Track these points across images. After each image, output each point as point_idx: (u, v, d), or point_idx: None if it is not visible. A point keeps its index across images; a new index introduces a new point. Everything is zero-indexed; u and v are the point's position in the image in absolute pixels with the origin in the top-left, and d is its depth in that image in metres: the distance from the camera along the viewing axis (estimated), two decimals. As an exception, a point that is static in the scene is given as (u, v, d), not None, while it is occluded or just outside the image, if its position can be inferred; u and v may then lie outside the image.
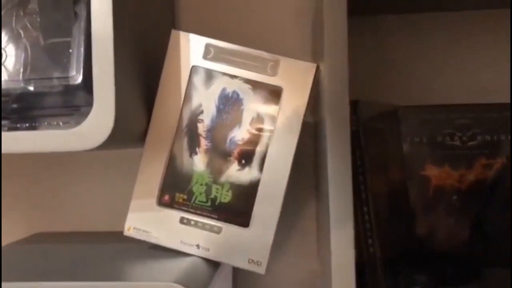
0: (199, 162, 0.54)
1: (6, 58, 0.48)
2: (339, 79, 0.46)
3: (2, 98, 0.48)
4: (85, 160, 0.71)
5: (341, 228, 0.46)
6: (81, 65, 0.46)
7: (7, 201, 0.71)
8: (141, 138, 0.54)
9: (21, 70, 0.48)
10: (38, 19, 0.48)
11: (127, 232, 0.55)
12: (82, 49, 0.46)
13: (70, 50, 0.46)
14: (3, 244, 0.66)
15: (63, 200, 0.71)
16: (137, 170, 0.54)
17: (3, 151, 0.45)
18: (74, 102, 0.47)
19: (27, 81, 0.47)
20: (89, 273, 0.48)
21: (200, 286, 0.48)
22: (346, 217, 0.46)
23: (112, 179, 0.71)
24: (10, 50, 0.48)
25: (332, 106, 0.46)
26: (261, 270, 0.53)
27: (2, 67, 0.48)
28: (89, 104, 0.44)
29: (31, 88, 0.47)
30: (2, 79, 0.48)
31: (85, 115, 0.44)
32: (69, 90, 0.47)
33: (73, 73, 0.46)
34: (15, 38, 0.48)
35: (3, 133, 0.45)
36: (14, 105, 0.48)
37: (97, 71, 0.44)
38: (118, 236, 0.58)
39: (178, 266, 0.50)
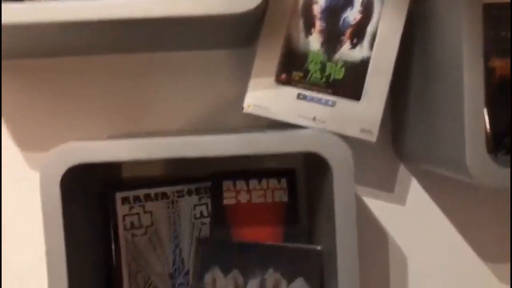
0: (314, 42, 0.59)
1: None
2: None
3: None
4: (176, 62, 0.73)
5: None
6: None
7: (95, 100, 0.72)
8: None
9: None
10: None
11: (246, 109, 0.59)
12: None
13: None
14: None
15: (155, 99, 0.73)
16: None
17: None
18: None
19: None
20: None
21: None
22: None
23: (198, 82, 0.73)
24: None
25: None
26: (372, 138, 0.59)
27: None
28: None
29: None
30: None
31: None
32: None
33: None
34: None
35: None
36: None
37: None
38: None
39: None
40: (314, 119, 0.59)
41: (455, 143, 0.55)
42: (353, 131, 0.59)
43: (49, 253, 0.50)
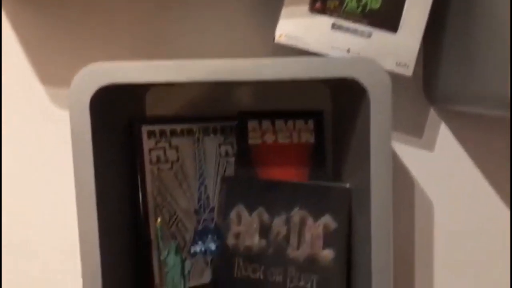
0: (350, -31, 0.56)
1: None
2: None
3: None
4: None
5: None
6: None
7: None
8: None
9: None
10: None
11: (278, 39, 0.57)
12: None
13: None
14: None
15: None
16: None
17: None
18: None
19: None
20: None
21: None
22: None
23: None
24: None
25: None
26: (408, 72, 0.57)
27: None
28: None
29: None
30: None
31: None
32: None
33: None
34: None
35: None
36: None
37: None
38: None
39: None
40: (348, 50, 0.57)
41: (498, 77, 0.52)
42: (388, 64, 0.57)
43: (77, 179, 0.49)
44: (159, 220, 0.52)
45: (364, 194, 0.53)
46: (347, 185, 0.60)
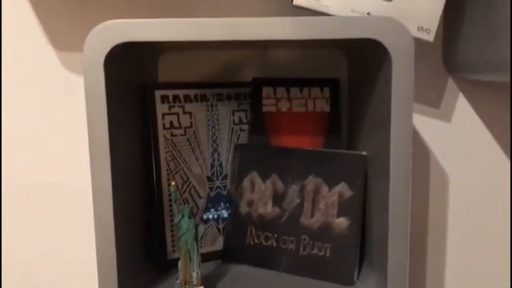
0: None
1: None
2: None
3: None
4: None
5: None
6: None
7: None
8: None
9: None
10: None
11: (296, 2, 0.55)
12: None
13: None
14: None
15: None
16: None
17: None
18: None
19: None
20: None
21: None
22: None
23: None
24: None
25: None
26: (429, 37, 0.55)
27: None
28: None
29: None
30: None
31: None
32: None
33: None
34: None
35: None
36: None
37: None
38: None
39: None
40: (368, 14, 0.55)
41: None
42: (409, 29, 0.55)
43: (91, 137, 0.49)
44: (173, 183, 0.52)
45: (382, 161, 0.52)
46: (364, 153, 0.59)
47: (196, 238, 0.53)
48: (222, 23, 0.47)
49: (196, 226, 0.54)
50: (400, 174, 0.49)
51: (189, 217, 0.53)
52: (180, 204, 0.62)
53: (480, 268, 0.74)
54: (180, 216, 0.53)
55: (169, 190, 0.61)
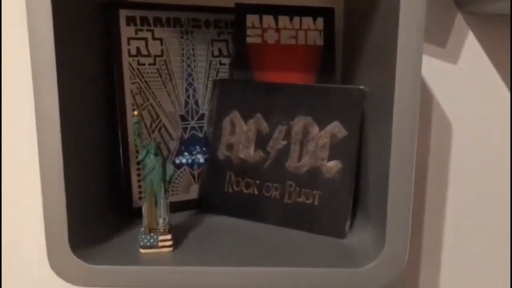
0: None
1: None
2: None
3: None
4: None
5: None
6: None
7: None
8: None
9: None
10: None
11: None
12: None
13: None
14: None
15: None
16: None
17: None
18: None
19: None
20: None
21: None
22: None
23: None
24: None
25: None
26: None
27: None
28: None
29: None
30: None
31: None
32: None
33: None
34: None
35: None
36: None
37: None
38: None
39: None
40: None
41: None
42: None
43: (35, 69, 0.40)
44: (135, 113, 0.43)
45: (383, 98, 0.44)
46: (361, 87, 0.51)
47: (163, 178, 0.46)
48: None
49: (164, 164, 0.46)
50: (405, 112, 0.41)
51: (156, 154, 0.45)
52: (147, 139, 0.53)
53: (479, 220, 0.68)
54: (145, 152, 0.45)
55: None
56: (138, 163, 0.53)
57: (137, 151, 0.50)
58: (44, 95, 0.40)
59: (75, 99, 0.44)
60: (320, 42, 0.59)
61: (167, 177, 0.46)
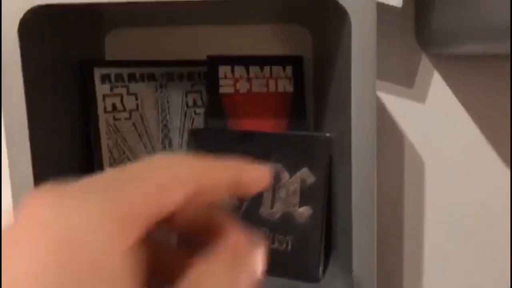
0: None
1: None
2: None
3: None
4: None
5: None
6: None
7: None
8: None
9: None
10: None
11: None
12: None
13: None
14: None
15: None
16: None
17: None
18: None
19: None
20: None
21: None
22: None
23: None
24: None
25: None
26: (397, 2, 0.50)
27: None
28: None
29: None
30: None
31: None
32: None
33: None
34: None
35: None
36: None
37: None
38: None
39: None
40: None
41: (498, 6, 0.45)
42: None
43: (8, 126, 0.42)
44: (108, 171, 0.45)
45: (346, 144, 0.46)
46: (328, 134, 0.53)
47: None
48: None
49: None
50: (363, 156, 0.43)
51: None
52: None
53: (458, 258, 0.69)
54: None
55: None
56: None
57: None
58: (17, 157, 0.42)
59: (49, 160, 0.46)
60: (290, 89, 0.62)
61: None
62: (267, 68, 0.62)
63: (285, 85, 0.62)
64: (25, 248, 0.17)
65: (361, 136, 0.43)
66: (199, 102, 0.60)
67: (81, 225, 0.17)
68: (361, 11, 0.40)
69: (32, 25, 0.42)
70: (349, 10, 0.40)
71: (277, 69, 0.62)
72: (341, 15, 0.42)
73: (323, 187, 0.52)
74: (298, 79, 0.62)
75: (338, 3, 0.40)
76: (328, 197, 0.54)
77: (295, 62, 0.62)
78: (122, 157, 0.56)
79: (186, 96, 0.60)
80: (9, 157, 0.42)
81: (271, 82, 0.62)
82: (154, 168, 0.21)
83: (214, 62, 0.60)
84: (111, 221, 0.18)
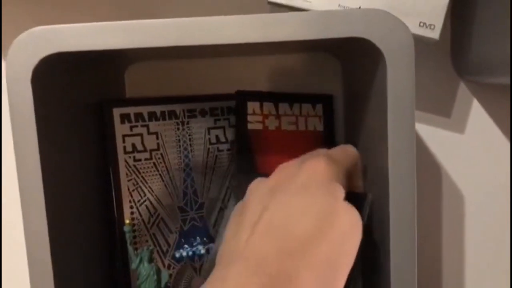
0: None
1: None
2: None
3: None
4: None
5: None
6: None
7: None
8: None
9: None
10: None
11: (272, -2, 0.46)
12: None
13: None
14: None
15: None
16: None
17: None
18: None
19: None
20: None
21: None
22: None
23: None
24: None
25: None
26: (434, 34, 0.46)
27: None
28: None
29: None
30: None
31: None
32: None
33: None
34: None
35: None
36: None
37: None
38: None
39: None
40: (359, 8, 0.46)
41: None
42: (409, 26, 0.46)
43: (22, 182, 0.40)
44: (127, 222, 0.43)
45: (381, 181, 0.43)
46: (369, 194, 0.48)
47: (158, 286, 0.44)
48: (177, 25, 0.38)
49: (158, 271, 0.44)
50: (403, 194, 0.39)
51: (149, 262, 0.44)
52: (142, 244, 0.52)
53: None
54: (138, 260, 0.44)
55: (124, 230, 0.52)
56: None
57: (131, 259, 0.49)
58: (32, 211, 0.40)
59: (66, 213, 0.44)
60: (320, 127, 0.58)
61: (162, 285, 0.44)
62: (296, 105, 0.58)
63: (315, 124, 0.58)
64: None
65: (399, 176, 0.39)
66: (223, 139, 0.58)
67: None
68: (398, 53, 0.37)
69: (45, 73, 0.40)
70: (383, 50, 0.37)
71: (306, 107, 0.59)
72: (376, 54, 0.39)
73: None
74: (328, 117, 0.59)
75: (374, 44, 0.36)
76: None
77: (325, 100, 0.59)
78: (143, 199, 0.53)
79: (209, 133, 0.57)
80: (22, 208, 0.40)
81: (301, 120, 0.58)
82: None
83: (242, 96, 0.58)
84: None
